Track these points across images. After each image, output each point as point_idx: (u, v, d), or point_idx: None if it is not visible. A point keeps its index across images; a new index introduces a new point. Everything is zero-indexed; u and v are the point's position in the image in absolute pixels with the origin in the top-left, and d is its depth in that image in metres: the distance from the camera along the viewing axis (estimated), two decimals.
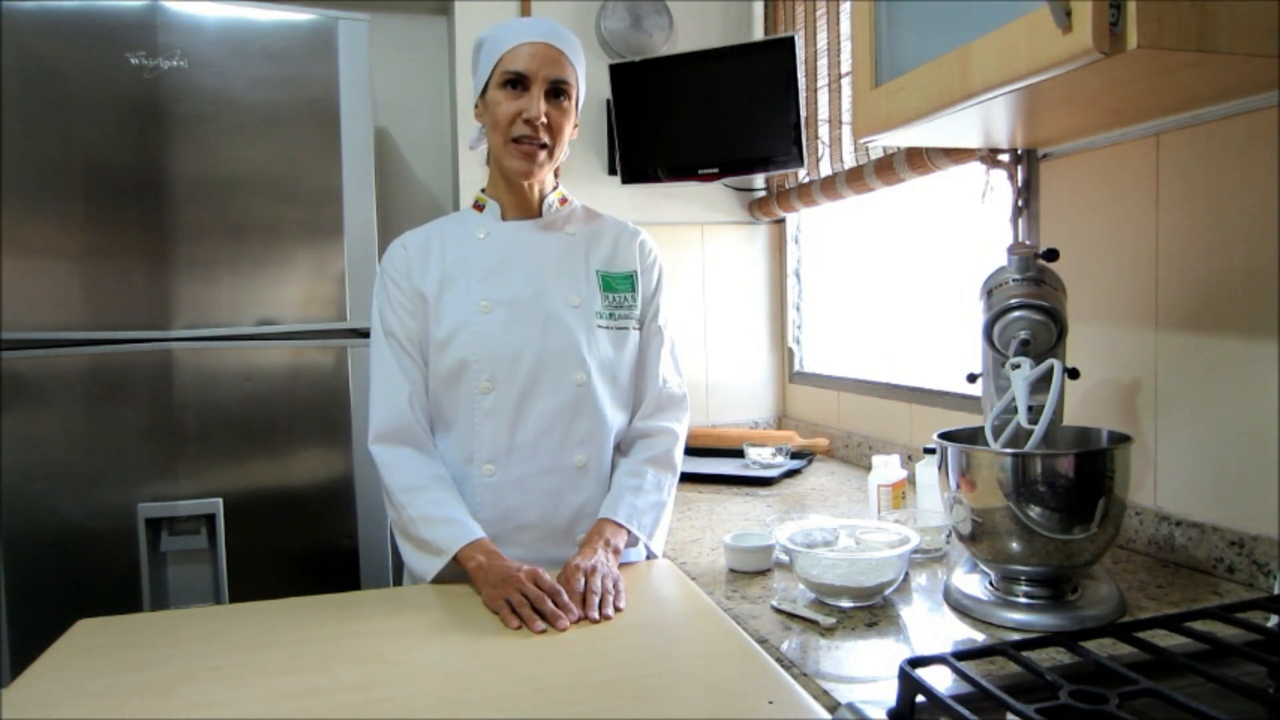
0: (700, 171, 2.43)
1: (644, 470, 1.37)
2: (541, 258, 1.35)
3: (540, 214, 1.38)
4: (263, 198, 1.92)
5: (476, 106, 1.35)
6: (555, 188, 1.40)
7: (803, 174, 2.39)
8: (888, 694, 0.80)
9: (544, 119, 1.27)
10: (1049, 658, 0.90)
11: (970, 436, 1.24)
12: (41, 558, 1.82)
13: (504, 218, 1.38)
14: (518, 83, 1.28)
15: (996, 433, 1.18)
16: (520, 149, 1.29)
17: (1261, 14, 0.89)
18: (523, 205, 1.38)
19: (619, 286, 1.38)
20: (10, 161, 1.78)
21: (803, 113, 2.26)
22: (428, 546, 1.25)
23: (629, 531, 1.29)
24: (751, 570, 1.35)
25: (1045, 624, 1.06)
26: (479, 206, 1.40)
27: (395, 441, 1.32)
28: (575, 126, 1.36)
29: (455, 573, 1.23)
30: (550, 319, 1.32)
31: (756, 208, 2.68)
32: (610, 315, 1.36)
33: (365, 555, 2.01)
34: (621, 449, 1.41)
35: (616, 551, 1.25)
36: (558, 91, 1.29)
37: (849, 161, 2.16)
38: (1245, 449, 1.20)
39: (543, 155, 1.30)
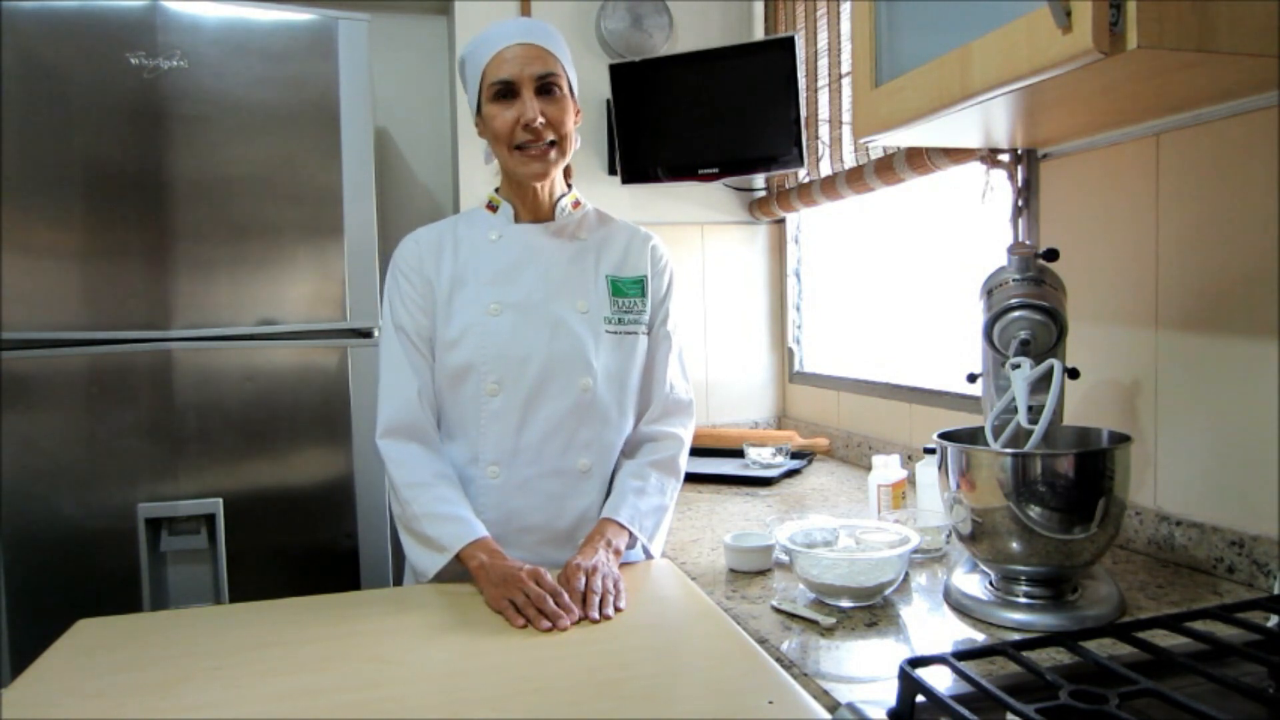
0: (700, 171, 2.43)
1: (648, 473, 1.37)
2: (552, 262, 1.35)
3: (553, 217, 1.38)
4: (263, 198, 1.92)
5: (476, 125, 1.35)
6: (568, 191, 1.40)
7: (803, 174, 2.39)
8: (888, 694, 0.80)
9: (541, 119, 1.26)
10: (1049, 658, 0.90)
11: (970, 436, 1.24)
12: (41, 558, 1.82)
13: (516, 220, 1.38)
14: (507, 91, 1.28)
15: (996, 433, 1.18)
16: (527, 154, 1.28)
17: (1261, 14, 0.89)
18: (535, 208, 1.37)
19: (628, 291, 1.38)
20: (10, 161, 1.78)
21: (803, 113, 2.26)
22: (431, 543, 1.25)
23: (631, 533, 1.29)
24: (751, 570, 1.35)
25: (1045, 624, 1.06)
26: (492, 207, 1.39)
27: (403, 437, 1.32)
28: (578, 114, 1.35)
29: (456, 571, 1.23)
30: (559, 324, 1.32)
31: (756, 208, 2.68)
32: (619, 320, 1.36)
33: (365, 555, 2.01)
34: (626, 452, 1.41)
35: (618, 552, 1.25)
36: (548, 87, 1.28)
37: (849, 161, 2.16)
38: (1245, 449, 1.20)
39: (553, 154, 1.30)
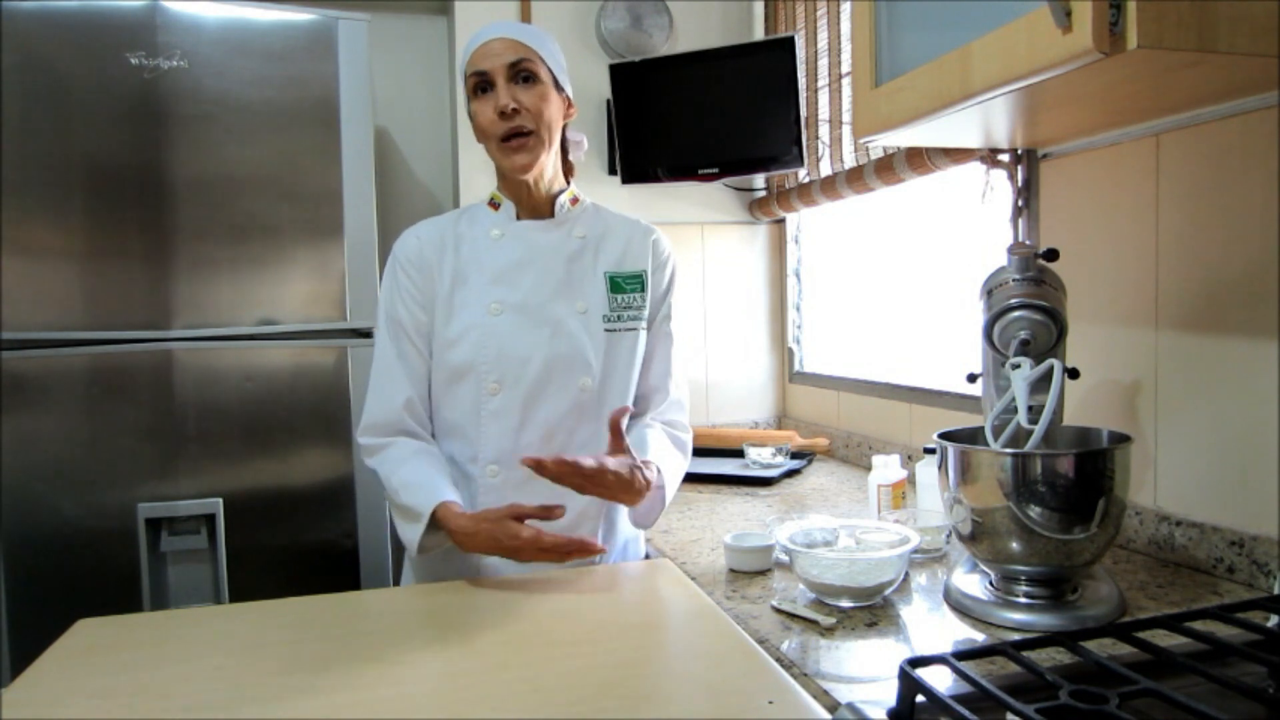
0: (700, 171, 2.43)
1: (669, 445, 1.37)
2: (552, 261, 1.35)
3: (552, 214, 1.38)
4: (263, 198, 1.92)
5: (474, 131, 1.36)
6: (566, 187, 1.40)
7: (803, 174, 2.39)
8: (888, 694, 0.80)
9: (513, 105, 1.26)
10: (1049, 658, 0.90)
11: (970, 436, 1.24)
12: (41, 558, 1.82)
13: (517, 218, 1.38)
14: (483, 85, 1.28)
15: (996, 433, 1.18)
16: (510, 145, 1.28)
17: (1261, 14, 0.89)
18: (535, 205, 1.37)
19: (628, 287, 1.38)
20: (10, 161, 1.78)
21: (803, 113, 2.25)
22: (409, 512, 1.26)
23: (655, 487, 1.28)
24: (751, 570, 1.35)
25: (1045, 624, 1.06)
26: (494, 204, 1.39)
27: (383, 433, 1.33)
28: (571, 108, 1.36)
29: (441, 542, 1.25)
30: (559, 324, 1.32)
31: (756, 208, 2.68)
32: (618, 318, 1.36)
33: (365, 555, 2.01)
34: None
35: (648, 482, 1.24)
36: (524, 76, 1.28)
37: (849, 161, 2.16)
38: (1245, 449, 1.20)
39: (532, 141, 1.28)
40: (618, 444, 1.20)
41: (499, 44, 1.28)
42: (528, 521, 1.17)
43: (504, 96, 1.26)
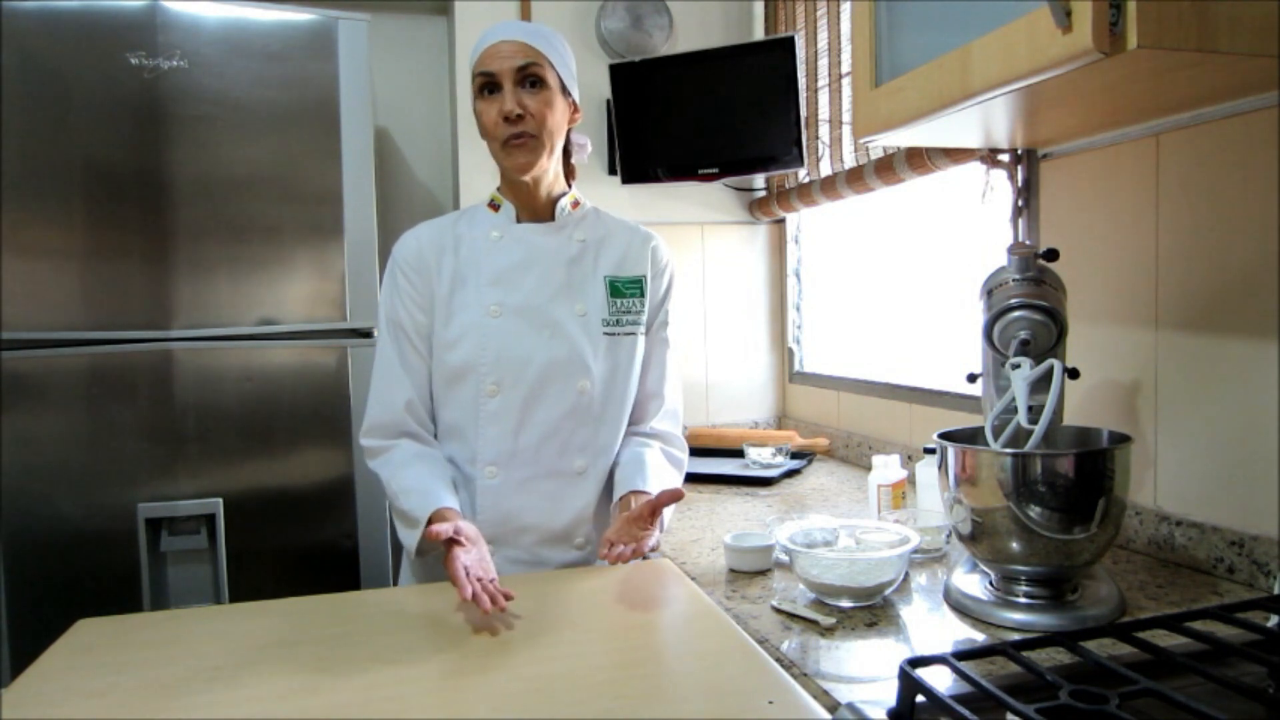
0: (700, 171, 2.43)
1: (666, 465, 1.38)
2: (552, 264, 1.35)
3: (553, 217, 1.38)
4: (263, 198, 1.92)
5: (479, 129, 1.35)
6: (567, 190, 1.39)
7: (803, 174, 2.39)
8: (888, 694, 0.80)
9: (517, 110, 1.26)
10: (1049, 658, 0.90)
11: (970, 436, 1.24)
12: (41, 558, 1.82)
13: (518, 220, 1.37)
14: (489, 85, 1.28)
15: (996, 433, 1.18)
16: (510, 146, 1.28)
17: (1261, 14, 0.89)
18: (535, 208, 1.37)
19: (626, 292, 1.38)
20: (10, 161, 1.78)
21: (803, 113, 2.26)
22: (406, 518, 1.26)
23: None
24: (751, 570, 1.35)
25: (1045, 624, 1.06)
26: (494, 206, 1.38)
27: (387, 436, 1.33)
28: (576, 112, 1.35)
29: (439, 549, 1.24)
30: (557, 328, 1.32)
31: (756, 208, 2.68)
32: (616, 322, 1.36)
33: (365, 555, 2.01)
34: (635, 442, 1.42)
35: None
36: (532, 80, 1.27)
37: (849, 161, 2.16)
38: (1245, 449, 1.20)
39: (533, 144, 1.28)
40: (651, 521, 1.20)
41: (509, 46, 1.27)
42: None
43: (509, 101, 1.26)
